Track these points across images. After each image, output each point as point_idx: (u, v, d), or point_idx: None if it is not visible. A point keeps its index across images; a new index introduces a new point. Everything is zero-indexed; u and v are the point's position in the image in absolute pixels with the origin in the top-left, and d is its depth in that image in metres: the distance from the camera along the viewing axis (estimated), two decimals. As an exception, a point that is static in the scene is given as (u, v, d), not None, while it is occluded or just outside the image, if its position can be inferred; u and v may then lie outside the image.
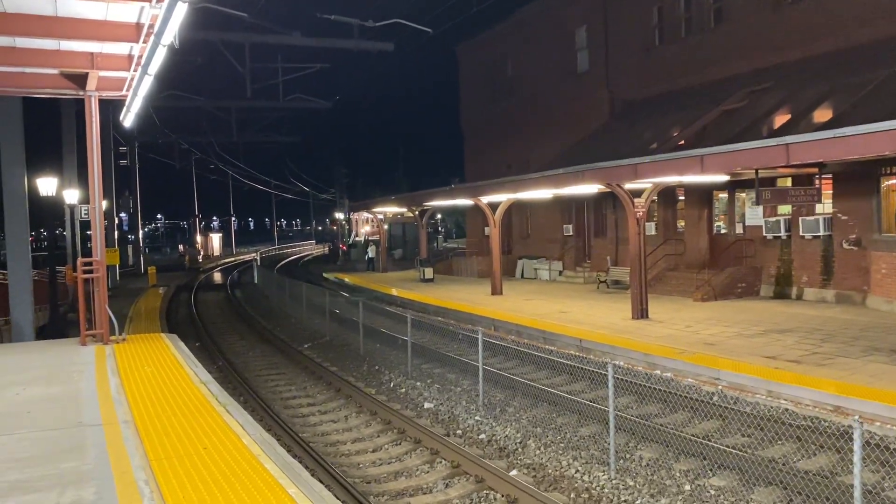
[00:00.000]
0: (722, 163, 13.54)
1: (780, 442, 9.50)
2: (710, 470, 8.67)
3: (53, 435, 6.66)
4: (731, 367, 12.20)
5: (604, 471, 8.83)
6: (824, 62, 19.18)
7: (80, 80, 11.27)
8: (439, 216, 72.38)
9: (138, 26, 9.10)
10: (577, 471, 8.94)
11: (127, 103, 11.42)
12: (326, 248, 71.35)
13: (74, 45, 10.13)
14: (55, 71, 11.13)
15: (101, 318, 11.96)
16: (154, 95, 32.17)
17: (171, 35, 7.06)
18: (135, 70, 10.13)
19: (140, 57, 9.37)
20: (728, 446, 9.23)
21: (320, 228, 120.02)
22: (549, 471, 9.00)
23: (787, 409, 10.66)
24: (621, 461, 9.10)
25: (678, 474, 8.62)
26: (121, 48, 10.30)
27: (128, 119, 12.28)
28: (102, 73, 10.90)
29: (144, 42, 8.68)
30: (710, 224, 23.22)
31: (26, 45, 10.12)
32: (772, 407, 10.88)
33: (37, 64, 10.62)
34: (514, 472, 8.84)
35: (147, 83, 9.59)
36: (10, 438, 6.59)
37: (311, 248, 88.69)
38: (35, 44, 10.11)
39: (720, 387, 11.93)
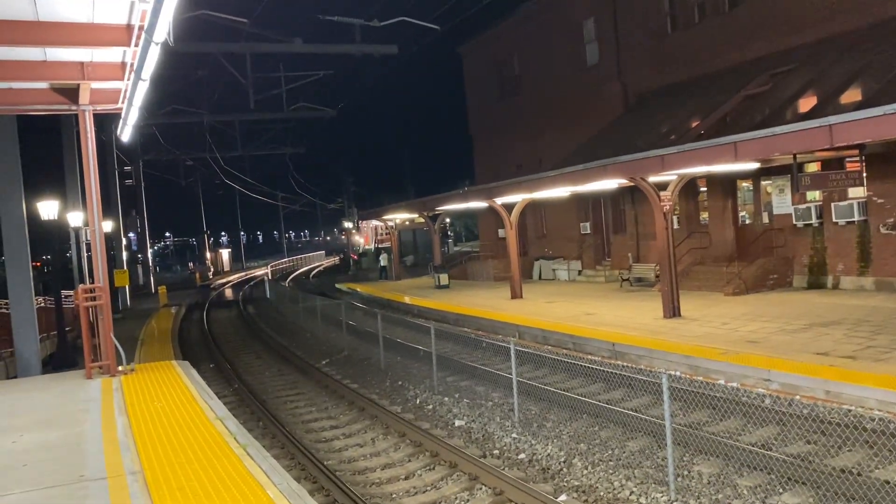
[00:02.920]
0: (758, 149, 12.71)
1: (848, 448, 8.66)
2: (780, 485, 7.86)
3: (51, 494, 5.82)
4: (781, 366, 11.37)
5: (662, 491, 8.01)
6: (849, 40, 18.34)
7: (72, 94, 10.53)
8: (447, 220, 71.59)
9: (129, 28, 8.35)
10: (633, 492, 8.13)
11: (123, 115, 10.65)
12: (337, 259, 70.74)
13: (62, 53, 9.39)
14: (45, 85, 10.40)
15: (107, 348, 11.19)
16: (156, 112, 31.60)
17: (163, 31, 6.32)
18: (128, 78, 9.41)
19: (133, 64, 8.65)
20: (793, 456, 8.42)
21: (328, 239, 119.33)
22: (602, 493, 8.19)
23: (849, 411, 9.84)
24: (679, 478, 8.29)
25: (745, 492, 7.81)
26: (113, 54, 9.55)
27: (125, 133, 11.54)
28: (95, 85, 10.17)
29: (136, 45, 7.94)
30: (735, 215, 22.35)
31: (9, 56, 9.38)
32: (831, 409, 10.05)
33: (24, 78, 9.88)
34: (563, 497, 8.05)
35: (142, 90, 8.83)
36: (1, 502, 5.77)
37: (320, 260, 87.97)
38: (19, 54, 9.37)
39: (798, 396, 11.10)
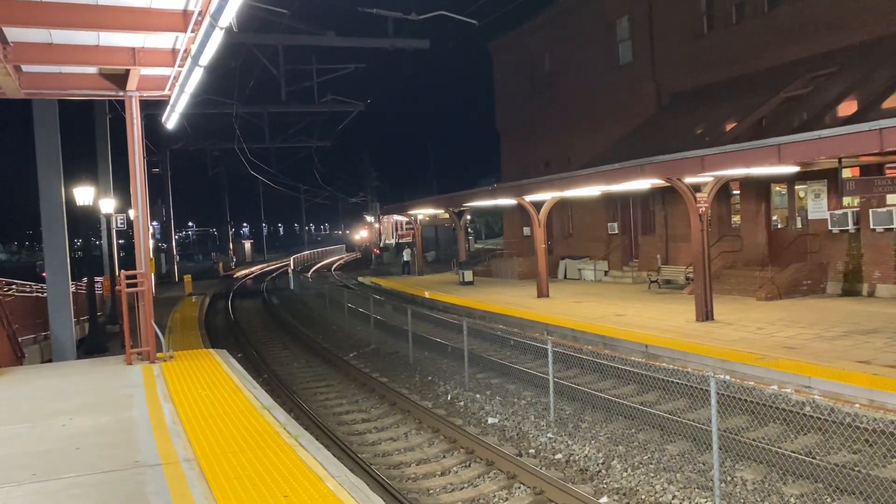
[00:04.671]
0: (803, 151, 12.49)
1: (896, 459, 8.49)
2: (828, 494, 7.70)
3: (108, 479, 5.81)
4: (822, 373, 11.19)
5: (706, 496, 7.89)
6: (893, 44, 17.98)
7: (119, 80, 10.57)
8: (468, 217, 71.37)
9: (185, 14, 8.35)
10: (675, 496, 8.01)
11: (172, 101, 10.66)
12: (358, 253, 70.97)
13: (115, 38, 9.40)
14: (94, 70, 10.44)
15: (147, 334, 11.24)
16: (189, 100, 31.71)
17: (230, 15, 6.29)
18: (180, 66, 9.41)
19: (186, 50, 8.63)
20: (839, 465, 8.25)
21: (348, 232, 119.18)
22: (643, 496, 8.08)
23: (893, 421, 9.64)
24: (722, 484, 8.15)
25: (793, 500, 7.66)
26: (164, 41, 9.56)
27: (171, 120, 11.56)
28: (144, 71, 10.19)
29: (193, 31, 7.92)
30: (768, 219, 22.06)
31: (63, 40, 9.42)
32: (875, 419, 9.86)
33: (75, 62, 9.92)
34: (604, 500, 7.96)
35: (197, 76, 8.82)
36: (58, 485, 5.73)
37: (340, 253, 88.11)
38: (73, 38, 9.41)
39: (856, 404, 10.90)
